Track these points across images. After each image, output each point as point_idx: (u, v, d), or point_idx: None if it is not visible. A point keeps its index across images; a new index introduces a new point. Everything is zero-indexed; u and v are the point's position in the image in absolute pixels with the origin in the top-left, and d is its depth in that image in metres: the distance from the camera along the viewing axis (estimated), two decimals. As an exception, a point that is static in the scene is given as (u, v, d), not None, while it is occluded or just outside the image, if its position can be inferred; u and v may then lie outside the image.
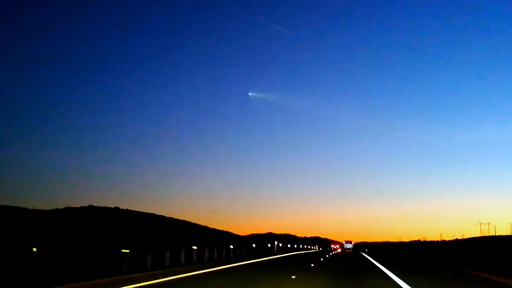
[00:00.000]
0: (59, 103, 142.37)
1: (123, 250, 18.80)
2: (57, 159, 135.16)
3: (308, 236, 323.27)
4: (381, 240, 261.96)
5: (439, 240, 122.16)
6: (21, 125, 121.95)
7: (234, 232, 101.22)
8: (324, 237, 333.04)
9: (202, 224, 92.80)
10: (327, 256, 43.58)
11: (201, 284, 13.85)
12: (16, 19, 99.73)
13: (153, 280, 13.84)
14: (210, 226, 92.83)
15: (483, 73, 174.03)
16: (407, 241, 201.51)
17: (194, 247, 25.98)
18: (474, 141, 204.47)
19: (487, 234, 79.20)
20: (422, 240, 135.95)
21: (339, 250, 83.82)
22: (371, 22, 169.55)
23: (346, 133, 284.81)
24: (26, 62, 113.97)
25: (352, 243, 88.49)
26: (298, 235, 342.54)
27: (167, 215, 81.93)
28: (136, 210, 75.26)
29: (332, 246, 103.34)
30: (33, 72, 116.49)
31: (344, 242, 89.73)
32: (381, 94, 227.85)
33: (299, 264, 27.17)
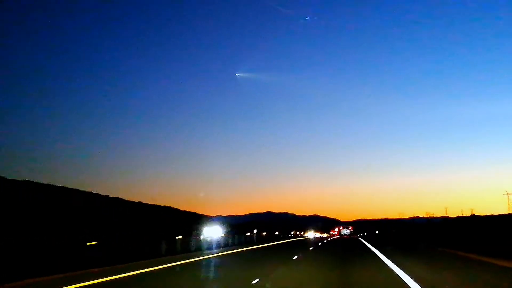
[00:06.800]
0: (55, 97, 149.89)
1: (177, 238, 26.66)
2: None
3: (307, 214, 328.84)
4: (382, 217, 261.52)
5: (444, 216, 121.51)
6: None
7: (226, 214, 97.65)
8: (323, 216, 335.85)
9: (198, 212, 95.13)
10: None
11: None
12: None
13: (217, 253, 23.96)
14: (199, 213, 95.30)
15: (500, 46, 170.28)
16: (408, 217, 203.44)
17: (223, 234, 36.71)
18: (486, 115, 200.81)
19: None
20: (426, 216, 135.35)
21: (337, 236, 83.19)
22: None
23: (344, 109, 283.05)
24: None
25: (350, 228, 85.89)
26: (297, 213, 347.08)
27: (161, 202, 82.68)
28: (131, 199, 78.96)
29: (331, 232, 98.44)
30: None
31: (341, 228, 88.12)
32: (386, 69, 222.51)
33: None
